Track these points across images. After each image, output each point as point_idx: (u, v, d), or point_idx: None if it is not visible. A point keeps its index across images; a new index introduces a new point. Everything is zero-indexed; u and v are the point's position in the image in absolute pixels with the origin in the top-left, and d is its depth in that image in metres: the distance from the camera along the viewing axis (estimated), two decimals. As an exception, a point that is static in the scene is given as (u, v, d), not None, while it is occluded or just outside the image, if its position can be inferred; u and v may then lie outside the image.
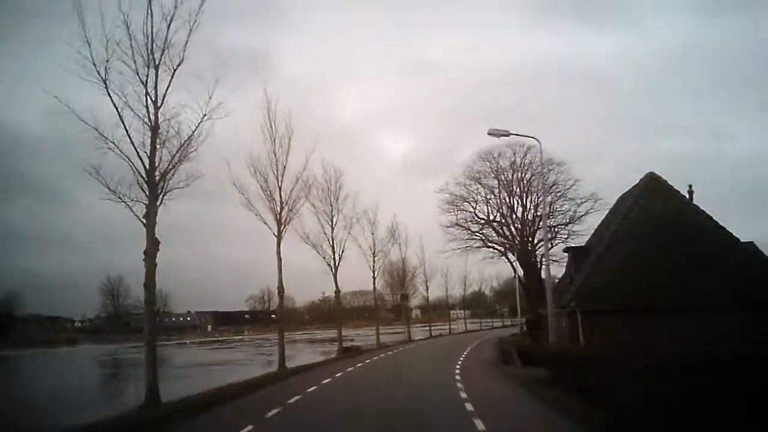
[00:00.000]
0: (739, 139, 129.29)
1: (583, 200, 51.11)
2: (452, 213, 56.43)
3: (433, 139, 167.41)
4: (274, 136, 26.55)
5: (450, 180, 57.27)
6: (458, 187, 56.02)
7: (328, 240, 37.26)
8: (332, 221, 37.39)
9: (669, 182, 28.23)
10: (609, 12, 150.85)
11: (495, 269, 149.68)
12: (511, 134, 21.57)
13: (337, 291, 40.45)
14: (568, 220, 52.98)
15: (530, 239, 53.79)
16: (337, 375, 24.10)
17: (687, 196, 28.12)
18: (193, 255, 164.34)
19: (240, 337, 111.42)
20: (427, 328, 73.18)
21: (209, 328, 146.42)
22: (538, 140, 21.16)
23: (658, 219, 26.68)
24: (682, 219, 26.63)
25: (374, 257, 47.37)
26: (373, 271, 47.61)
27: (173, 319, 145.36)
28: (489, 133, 21.45)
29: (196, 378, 29.97)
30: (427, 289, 66.36)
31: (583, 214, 51.75)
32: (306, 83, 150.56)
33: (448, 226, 56.53)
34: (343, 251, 37.99)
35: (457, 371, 24.11)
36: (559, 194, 52.57)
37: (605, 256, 26.63)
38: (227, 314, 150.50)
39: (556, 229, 53.33)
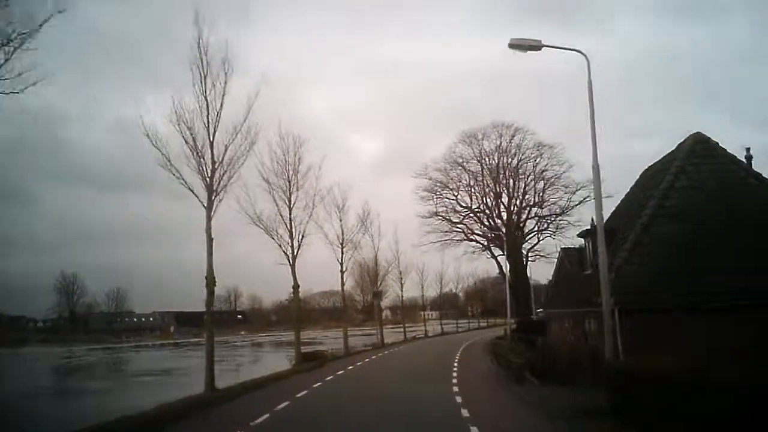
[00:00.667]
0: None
1: (580, 186, 44.66)
2: (431, 201, 49.83)
3: (403, 139, 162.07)
4: (204, 73, 19.06)
5: (429, 164, 50.60)
6: (438, 172, 49.48)
7: (285, 223, 29.81)
8: (290, 200, 29.90)
9: (720, 145, 21.57)
10: (576, 14, 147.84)
11: (471, 267, 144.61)
12: (545, 46, 14.39)
13: (296, 286, 31.39)
14: (560, 210, 46.63)
15: (520, 231, 47.37)
16: (283, 405, 15.97)
17: (745, 162, 21.50)
18: (162, 254, 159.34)
19: (198, 339, 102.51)
20: (400, 329, 66.30)
21: (172, 329, 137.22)
22: (585, 55, 14.13)
23: (710, 191, 20.03)
24: (741, 191, 20.02)
25: (342, 248, 40.13)
26: (342, 264, 40.39)
27: (135, 319, 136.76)
28: (511, 46, 14.16)
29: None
30: (402, 286, 58.97)
31: (577, 203, 45.43)
32: (273, 80, 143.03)
33: (426, 217, 49.80)
34: (303, 237, 30.47)
35: (457, 394, 17.05)
36: (551, 180, 46.23)
37: (644, 238, 19.82)
38: (192, 315, 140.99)
39: (548, 220, 47.05)
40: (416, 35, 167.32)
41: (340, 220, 39.69)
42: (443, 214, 49.20)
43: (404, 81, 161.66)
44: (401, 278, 58.11)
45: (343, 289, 41.92)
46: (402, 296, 60.53)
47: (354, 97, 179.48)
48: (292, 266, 30.12)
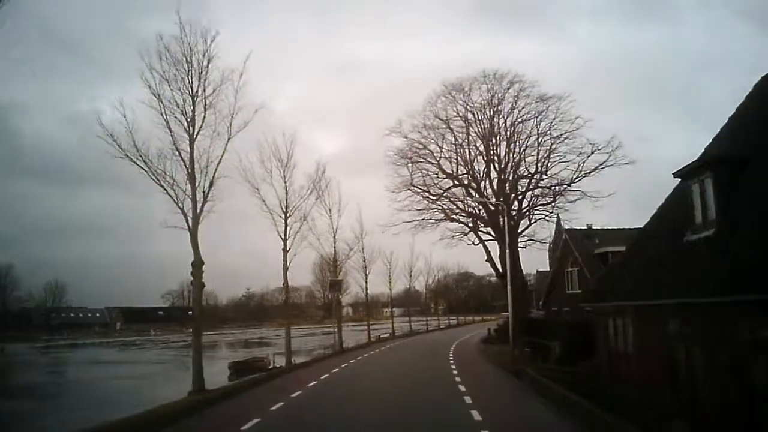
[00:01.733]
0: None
1: (596, 149, 34.18)
2: (406, 169, 38.73)
3: (365, 138, 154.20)
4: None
5: (404, 119, 39.39)
6: (416, 132, 38.41)
7: (183, 161, 18.17)
8: (191, 125, 18.24)
9: None
10: (533, 17, 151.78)
11: (442, 259, 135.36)
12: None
13: (197, 263, 19.07)
14: (567, 181, 36.11)
15: (517, 204, 36.70)
16: None
17: None
18: (118, 249, 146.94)
19: (140, 338, 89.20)
20: (363, 327, 55.01)
21: (118, 325, 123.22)
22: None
23: None
24: None
25: (286, 216, 28.67)
26: (285, 241, 28.87)
27: (80, 314, 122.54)
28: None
29: None
30: (366, 276, 47.28)
31: (592, 170, 35.00)
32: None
33: (398, 191, 38.81)
34: (212, 185, 18.64)
35: None
36: (559, 140, 35.61)
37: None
38: (141, 311, 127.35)
39: (553, 191, 36.52)
40: (379, 35, 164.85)
41: (284, 180, 28.26)
42: (420, 187, 38.25)
43: (367, 79, 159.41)
44: (365, 267, 46.60)
45: (286, 274, 29.76)
46: (366, 289, 48.26)
47: (317, 94, 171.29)
48: (192, 232, 18.40)
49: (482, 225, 38.42)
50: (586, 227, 35.08)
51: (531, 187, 36.43)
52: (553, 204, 36.77)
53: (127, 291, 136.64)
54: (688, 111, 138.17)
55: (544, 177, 35.95)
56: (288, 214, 28.53)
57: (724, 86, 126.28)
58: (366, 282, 47.45)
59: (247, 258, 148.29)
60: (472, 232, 39.60)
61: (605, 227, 33.21)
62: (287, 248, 28.69)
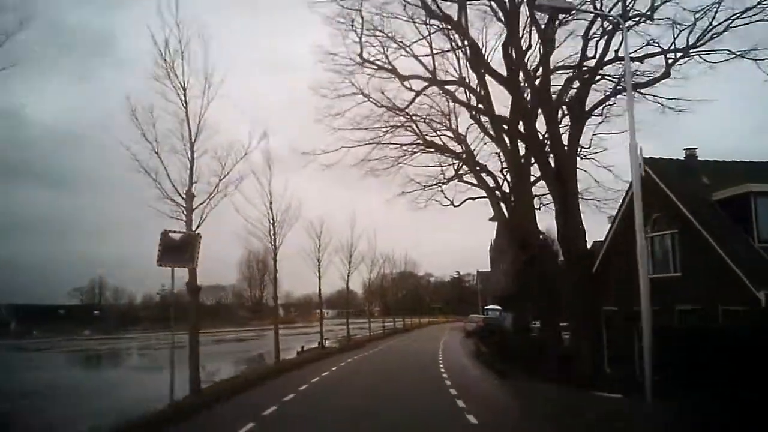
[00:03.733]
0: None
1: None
2: (350, 41, 24.07)
3: (301, 138, 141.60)
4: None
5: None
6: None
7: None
8: None
9: None
10: None
11: (387, 244, 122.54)
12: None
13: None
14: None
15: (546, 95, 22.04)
16: None
17: None
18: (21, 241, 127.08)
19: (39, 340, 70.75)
20: (294, 330, 41.04)
21: (12, 325, 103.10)
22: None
23: None
24: None
25: (192, 150, 15.02)
26: (190, 182, 15.33)
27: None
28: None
29: None
30: (319, 261, 33.36)
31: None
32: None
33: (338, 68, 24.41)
34: None
35: None
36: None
37: None
38: (42, 309, 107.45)
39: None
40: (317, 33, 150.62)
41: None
42: (379, 63, 24.03)
43: (305, 78, 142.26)
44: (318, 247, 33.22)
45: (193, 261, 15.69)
46: (320, 279, 35.23)
47: (253, 90, 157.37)
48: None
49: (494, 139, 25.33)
50: (684, 154, 19.97)
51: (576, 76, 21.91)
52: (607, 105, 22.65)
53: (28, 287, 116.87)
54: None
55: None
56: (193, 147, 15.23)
57: None
58: (319, 270, 33.98)
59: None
60: (463, 173, 27.28)
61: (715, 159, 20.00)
62: (192, 189, 15.09)
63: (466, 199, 31.87)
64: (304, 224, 32.28)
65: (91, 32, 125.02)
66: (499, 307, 56.40)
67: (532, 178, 24.77)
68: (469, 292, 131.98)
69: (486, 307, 58.80)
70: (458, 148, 28.44)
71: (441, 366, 25.08)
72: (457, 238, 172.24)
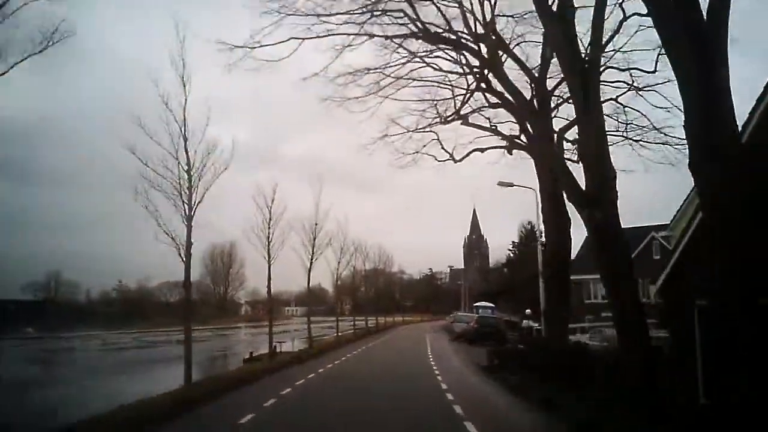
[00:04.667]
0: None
1: None
2: None
3: (265, 134, 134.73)
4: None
5: None
6: None
7: None
8: None
9: None
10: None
11: (358, 231, 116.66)
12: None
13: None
14: None
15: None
16: None
17: None
18: None
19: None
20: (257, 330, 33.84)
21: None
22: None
23: None
24: None
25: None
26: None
27: None
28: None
29: None
30: (269, 240, 24.69)
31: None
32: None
33: None
34: None
35: None
36: None
37: None
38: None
39: None
40: (285, 29, 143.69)
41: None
42: None
43: (269, 73, 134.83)
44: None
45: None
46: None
47: (214, 85, 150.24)
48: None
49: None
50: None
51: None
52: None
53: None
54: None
55: None
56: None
57: None
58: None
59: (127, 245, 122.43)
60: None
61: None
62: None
63: (473, 151, 22.47)
64: (252, 189, 23.34)
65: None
66: (491, 304, 49.59)
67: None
68: (442, 290, 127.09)
69: (476, 305, 52.01)
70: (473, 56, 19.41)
71: (447, 393, 15.20)
72: (427, 235, 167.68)
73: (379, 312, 66.53)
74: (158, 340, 52.88)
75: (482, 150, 21.92)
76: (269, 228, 22.25)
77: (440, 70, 20.40)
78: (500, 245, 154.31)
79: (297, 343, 37.18)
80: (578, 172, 13.32)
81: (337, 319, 42.70)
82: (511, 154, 21.66)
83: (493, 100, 19.84)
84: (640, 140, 20.12)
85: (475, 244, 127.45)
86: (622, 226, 12.74)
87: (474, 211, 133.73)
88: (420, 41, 18.66)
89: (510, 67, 18.79)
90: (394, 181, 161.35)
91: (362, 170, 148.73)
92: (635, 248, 35.24)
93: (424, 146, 22.21)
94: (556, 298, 18.95)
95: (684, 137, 9.57)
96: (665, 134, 19.42)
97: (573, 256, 22.18)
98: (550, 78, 19.29)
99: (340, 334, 39.92)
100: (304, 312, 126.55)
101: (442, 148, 22.35)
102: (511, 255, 56.10)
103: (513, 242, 55.72)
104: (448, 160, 22.33)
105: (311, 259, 29.07)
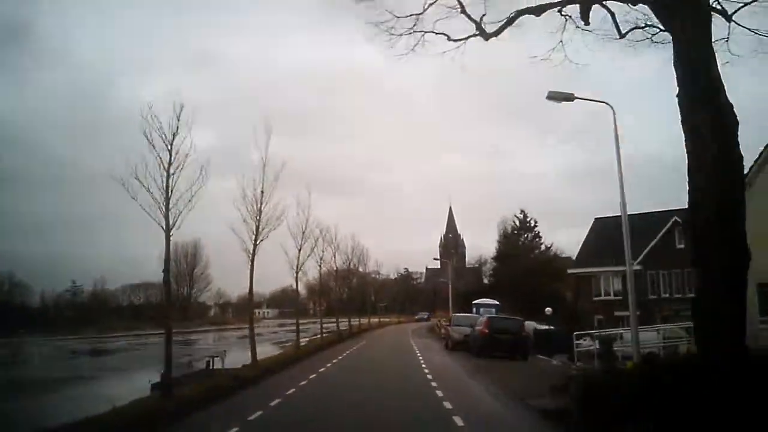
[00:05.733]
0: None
1: None
2: None
3: (222, 138, 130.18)
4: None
5: None
6: None
7: None
8: None
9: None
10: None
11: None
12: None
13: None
14: None
15: None
16: None
17: None
18: None
19: None
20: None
21: None
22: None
23: None
24: None
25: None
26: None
27: None
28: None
29: None
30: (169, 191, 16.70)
31: None
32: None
33: None
34: None
35: None
36: None
37: None
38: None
39: None
40: (247, 32, 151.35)
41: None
42: None
43: (231, 76, 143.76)
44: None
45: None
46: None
47: (181, 90, 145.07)
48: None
49: None
50: None
51: None
52: None
53: None
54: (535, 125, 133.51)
55: None
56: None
57: None
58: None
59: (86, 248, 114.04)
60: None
61: None
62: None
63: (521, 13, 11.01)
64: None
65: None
66: (494, 302, 39.33)
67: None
68: (418, 291, 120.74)
69: (477, 302, 40.30)
70: None
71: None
72: (401, 237, 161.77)
73: (353, 313, 58.64)
74: (98, 348, 45.32)
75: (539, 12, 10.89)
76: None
77: None
78: (475, 244, 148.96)
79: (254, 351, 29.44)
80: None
81: (297, 323, 32.49)
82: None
83: None
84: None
85: (452, 243, 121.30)
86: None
87: (450, 209, 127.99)
88: None
89: None
90: (364, 182, 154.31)
91: (332, 172, 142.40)
92: (653, 236, 28.95)
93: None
94: (720, 270, 8.22)
95: None
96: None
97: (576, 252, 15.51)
98: None
99: (298, 338, 31.10)
100: (276, 314, 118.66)
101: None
102: (501, 247, 48.92)
103: (503, 231, 48.19)
104: (473, 36, 11.51)
105: (255, 242, 21.06)
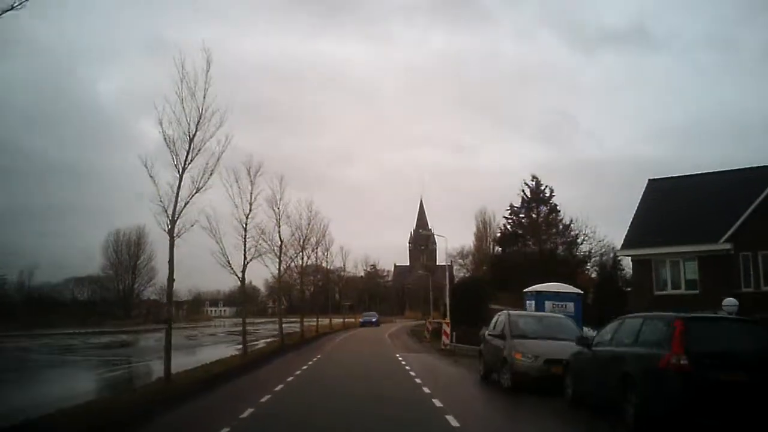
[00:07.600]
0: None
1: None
2: None
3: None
4: None
5: None
6: None
7: None
8: None
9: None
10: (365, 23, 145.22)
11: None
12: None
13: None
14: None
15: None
16: None
17: None
18: None
19: None
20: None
21: None
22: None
23: None
24: None
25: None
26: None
27: None
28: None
29: None
30: None
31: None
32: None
33: None
34: None
35: None
36: None
37: None
38: None
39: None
40: (210, 21, 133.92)
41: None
42: None
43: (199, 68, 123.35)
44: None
45: None
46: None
47: (143, 79, 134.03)
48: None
49: None
50: None
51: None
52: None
53: None
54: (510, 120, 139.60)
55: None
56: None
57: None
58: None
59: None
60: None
61: None
62: None
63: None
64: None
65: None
66: (574, 289, 21.01)
67: None
68: (382, 288, 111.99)
69: (536, 289, 20.11)
70: None
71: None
72: (367, 234, 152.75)
73: (317, 312, 49.00)
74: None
75: None
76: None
77: None
78: (448, 240, 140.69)
79: (187, 359, 19.60)
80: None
81: (244, 332, 20.76)
82: None
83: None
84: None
85: (422, 240, 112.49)
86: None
87: (421, 204, 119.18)
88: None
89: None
90: (333, 177, 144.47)
91: (293, 164, 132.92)
92: (749, 202, 20.67)
93: None
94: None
95: None
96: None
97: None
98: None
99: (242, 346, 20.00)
100: (234, 312, 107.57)
101: None
102: (508, 228, 39.09)
103: (510, 205, 37.86)
104: None
105: (173, 217, 11.73)
